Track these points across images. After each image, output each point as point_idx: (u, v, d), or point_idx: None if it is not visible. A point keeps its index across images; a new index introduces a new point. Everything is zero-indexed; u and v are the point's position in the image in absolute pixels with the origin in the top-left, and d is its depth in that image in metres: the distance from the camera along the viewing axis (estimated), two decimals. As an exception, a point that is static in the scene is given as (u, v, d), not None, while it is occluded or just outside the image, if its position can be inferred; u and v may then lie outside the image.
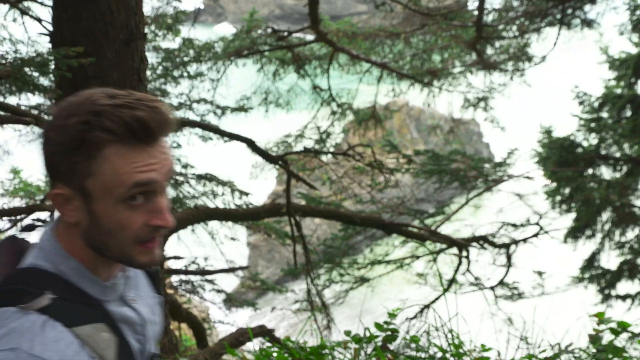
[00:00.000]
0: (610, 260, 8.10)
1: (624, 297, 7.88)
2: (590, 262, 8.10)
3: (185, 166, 6.78)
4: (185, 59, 6.65)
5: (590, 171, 7.81)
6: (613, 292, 7.93)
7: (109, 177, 1.18)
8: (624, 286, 8.01)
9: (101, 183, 1.18)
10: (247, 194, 6.83)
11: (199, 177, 6.55)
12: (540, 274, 7.13)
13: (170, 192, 6.59)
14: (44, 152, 1.21)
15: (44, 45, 5.76)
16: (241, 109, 7.43)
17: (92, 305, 1.27)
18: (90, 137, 1.16)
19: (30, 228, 1.36)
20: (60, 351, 1.19)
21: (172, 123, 1.21)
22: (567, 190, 7.82)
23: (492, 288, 6.87)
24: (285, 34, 7.37)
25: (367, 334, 3.22)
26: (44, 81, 3.69)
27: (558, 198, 7.83)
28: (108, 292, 1.29)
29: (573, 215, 8.01)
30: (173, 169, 1.24)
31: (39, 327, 1.19)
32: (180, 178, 6.50)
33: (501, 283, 6.88)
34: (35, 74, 3.25)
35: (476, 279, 6.79)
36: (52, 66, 3.37)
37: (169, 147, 1.24)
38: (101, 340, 1.25)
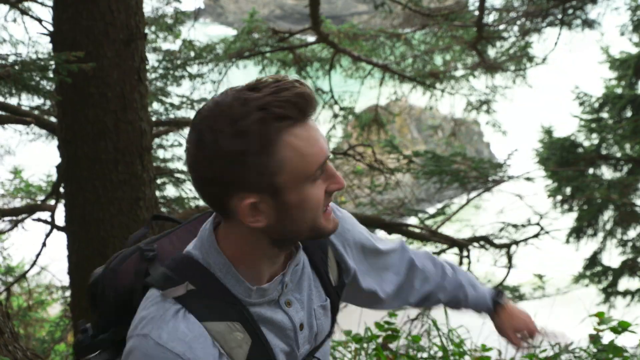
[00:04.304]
0: (612, 259, 8.10)
1: (624, 294, 7.88)
2: (592, 261, 8.10)
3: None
4: (186, 56, 6.62)
5: (591, 171, 7.81)
6: (614, 290, 7.93)
7: (296, 162, 1.17)
8: (625, 284, 8.01)
9: (290, 172, 1.17)
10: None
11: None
12: (540, 277, 7.09)
13: (172, 191, 6.60)
14: (208, 172, 1.17)
15: (45, 45, 5.77)
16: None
17: (231, 303, 1.25)
18: (269, 130, 1.14)
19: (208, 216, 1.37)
20: (186, 343, 1.19)
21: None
22: (568, 190, 7.82)
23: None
24: (287, 35, 7.35)
25: (368, 334, 3.22)
26: (44, 82, 3.69)
27: (559, 198, 7.82)
28: (252, 294, 1.26)
29: (574, 215, 8.01)
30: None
31: (171, 316, 1.21)
32: (182, 176, 6.50)
33: (502, 284, 6.86)
34: (36, 78, 3.26)
35: (477, 279, 6.76)
36: (53, 67, 3.37)
37: None
38: (232, 339, 1.23)
